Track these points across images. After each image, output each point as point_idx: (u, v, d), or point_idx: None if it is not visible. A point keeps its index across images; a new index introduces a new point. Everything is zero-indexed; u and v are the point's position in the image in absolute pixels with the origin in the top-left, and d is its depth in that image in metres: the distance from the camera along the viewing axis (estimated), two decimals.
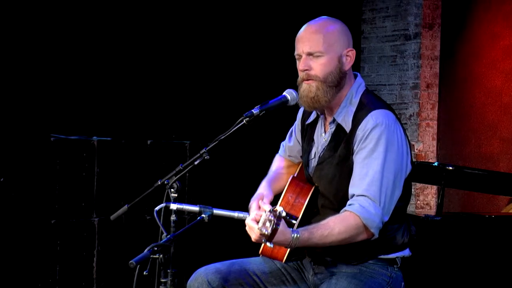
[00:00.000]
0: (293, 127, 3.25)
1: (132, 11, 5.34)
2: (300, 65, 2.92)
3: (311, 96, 2.89)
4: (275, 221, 2.56)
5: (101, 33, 5.17)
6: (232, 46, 5.93)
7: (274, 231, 2.56)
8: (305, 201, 2.96)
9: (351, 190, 2.84)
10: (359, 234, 2.78)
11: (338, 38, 2.91)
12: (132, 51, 5.34)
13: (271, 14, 6.13)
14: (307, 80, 2.90)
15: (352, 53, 2.94)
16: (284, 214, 2.59)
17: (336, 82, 2.91)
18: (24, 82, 4.79)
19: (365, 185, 2.79)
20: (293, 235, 2.68)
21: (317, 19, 2.98)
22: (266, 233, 2.55)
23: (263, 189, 3.09)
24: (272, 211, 2.57)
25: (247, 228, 2.77)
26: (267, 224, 2.55)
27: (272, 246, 2.63)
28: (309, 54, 2.89)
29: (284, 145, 3.30)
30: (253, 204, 3.00)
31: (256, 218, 2.71)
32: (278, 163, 3.30)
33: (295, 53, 2.95)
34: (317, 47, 2.88)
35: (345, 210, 2.79)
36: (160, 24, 5.51)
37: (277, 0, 6.20)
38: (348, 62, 2.93)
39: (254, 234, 2.70)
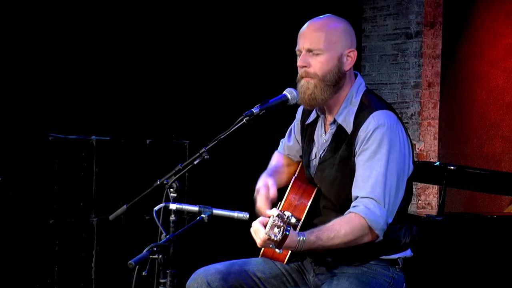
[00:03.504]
0: (292, 126, 3.23)
1: (131, 11, 5.33)
2: (298, 61, 2.90)
3: (308, 93, 2.88)
4: (285, 227, 2.53)
5: (100, 32, 5.16)
6: (231, 45, 5.92)
7: (284, 237, 2.54)
8: (308, 202, 2.96)
9: (354, 192, 2.82)
10: (364, 236, 2.77)
11: (340, 37, 2.89)
12: (131, 50, 5.33)
13: (271, 13, 6.13)
14: (306, 77, 2.88)
15: (354, 54, 2.91)
16: (293, 220, 2.57)
17: (335, 81, 2.89)
18: (22, 81, 4.79)
19: (369, 187, 2.78)
20: (299, 238, 2.67)
21: (322, 16, 2.96)
22: (276, 239, 2.53)
23: (267, 178, 3.07)
24: (280, 216, 2.54)
25: (252, 230, 2.75)
26: (276, 229, 2.53)
27: (281, 251, 2.61)
28: (309, 50, 2.87)
29: (283, 142, 3.28)
30: (260, 194, 2.99)
31: (263, 222, 2.69)
32: (277, 159, 3.28)
33: (296, 48, 2.94)
34: (317, 44, 2.86)
35: (350, 212, 2.78)
36: (160, 23, 5.51)
37: None
38: (349, 62, 2.91)
39: (259, 239, 2.68)
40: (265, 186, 3.02)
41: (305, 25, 2.93)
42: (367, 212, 2.75)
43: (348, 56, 2.90)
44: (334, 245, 2.74)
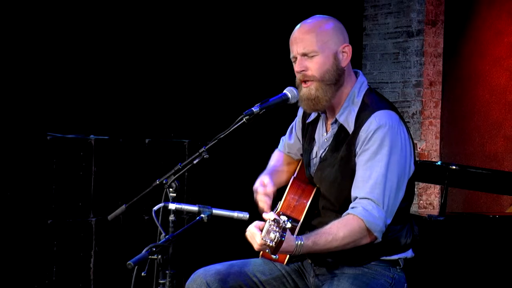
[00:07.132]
0: (294, 124, 3.22)
1: (131, 10, 5.33)
2: (296, 67, 2.90)
3: (312, 98, 2.87)
4: (281, 232, 2.52)
5: (99, 31, 5.16)
6: (231, 44, 5.92)
7: (279, 243, 2.53)
8: (307, 203, 2.94)
9: (353, 193, 2.81)
10: (363, 238, 2.76)
11: (332, 35, 2.88)
12: (130, 49, 5.33)
13: (271, 12, 6.13)
14: (305, 82, 2.88)
15: (348, 49, 2.90)
16: (289, 225, 2.55)
17: (334, 80, 2.87)
18: (20, 80, 4.78)
19: (368, 188, 2.77)
20: (297, 242, 2.66)
21: (309, 19, 2.95)
22: (271, 244, 2.52)
23: (263, 176, 3.07)
24: (276, 221, 2.53)
25: (248, 234, 2.74)
26: (272, 235, 2.52)
27: (277, 257, 2.59)
28: (304, 54, 2.87)
29: (284, 141, 3.28)
30: (259, 194, 2.99)
31: (259, 226, 2.69)
32: (277, 157, 3.28)
33: (291, 56, 2.93)
34: (311, 46, 2.85)
35: (348, 214, 2.77)
36: (159, 22, 5.51)
37: None
38: (345, 58, 2.89)
39: (256, 243, 2.67)
40: (261, 186, 3.02)
41: (295, 30, 2.93)
42: (365, 214, 2.73)
43: (343, 52, 2.89)
44: (332, 248, 2.73)
